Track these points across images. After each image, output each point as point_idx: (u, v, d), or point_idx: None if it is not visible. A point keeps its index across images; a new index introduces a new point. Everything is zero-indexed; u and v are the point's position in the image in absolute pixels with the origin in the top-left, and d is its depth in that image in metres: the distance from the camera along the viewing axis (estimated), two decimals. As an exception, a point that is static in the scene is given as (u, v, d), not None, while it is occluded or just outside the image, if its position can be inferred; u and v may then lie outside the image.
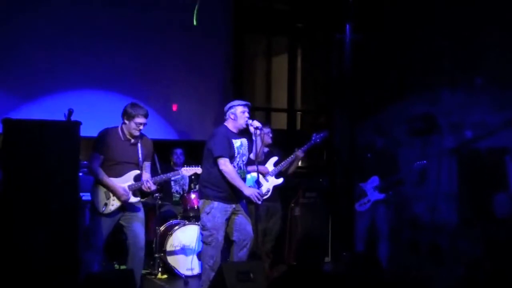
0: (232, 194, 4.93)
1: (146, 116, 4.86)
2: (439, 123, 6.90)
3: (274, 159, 6.07)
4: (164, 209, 6.52)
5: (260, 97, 8.60)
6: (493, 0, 6.30)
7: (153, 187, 4.91)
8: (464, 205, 6.53)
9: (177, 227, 6.05)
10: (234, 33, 7.77)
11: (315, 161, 8.40)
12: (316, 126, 8.44)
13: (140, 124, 4.83)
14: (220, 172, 4.86)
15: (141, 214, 4.99)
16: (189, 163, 5.59)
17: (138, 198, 4.96)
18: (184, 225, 6.08)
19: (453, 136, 6.74)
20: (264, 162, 6.00)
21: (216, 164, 4.87)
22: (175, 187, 6.81)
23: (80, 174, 4.98)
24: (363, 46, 7.21)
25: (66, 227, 4.13)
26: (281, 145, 6.40)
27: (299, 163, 6.24)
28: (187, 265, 5.97)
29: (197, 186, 5.83)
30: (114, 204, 4.82)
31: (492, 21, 6.31)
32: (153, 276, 5.99)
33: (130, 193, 4.87)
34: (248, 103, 5.07)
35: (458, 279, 5.27)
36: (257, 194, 4.87)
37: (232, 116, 4.98)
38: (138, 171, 4.93)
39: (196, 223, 5.90)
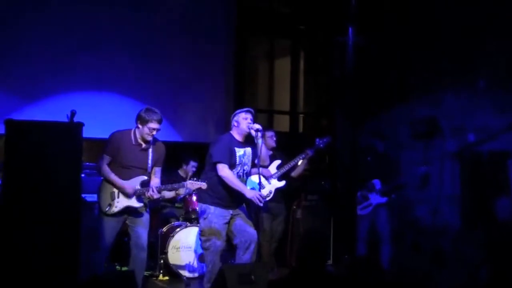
0: (230, 200, 4.95)
1: (160, 121, 4.86)
2: (441, 126, 6.88)
3: (277, 162, 6.09)
4: (166, 211, 6.52)
5: (263, 100, 8.61)
6: (496, 2, 6.29)
7: (156, 196, 4.86)
8: (466, 209, 6.52)
9: (179, 229, 6.05)
10: (236, 35, 7.77)
11: (317, 164, 8.39)
12: (319, 128, 8.44)
13: (153, 129, 4.83)
14: (219, 177, 4.88)
15: (145, 219, 4.98)
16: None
17: (142, 204, 4.92)
18: (186, 227, 6.08)
19: (455, 140, 6.73)
20: (267, 166, 6.04)
21: (215, 170, 4.90)
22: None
23: (83, 175, 4.99)
24: (365, 49, 7.21)
25: (68, 228, 4.12)
26: (283, 147, 6.40)
27: (304, 167, 6.23)
28: (189, 267, 5.98)
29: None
30: (118, 206, 4.82)
31: (495, 24, 6.30)
32: (155, 278, 5.99)
33: (134, 197, 4.86)
34: (250, 109, 5.10)
35: (460, 282, 5.26)
36: (258, 196, 4.88)
37: (235, 124, 5.04)
38: (145, 177, 4.92)
39: (198, 225, 5.90)
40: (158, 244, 6.00)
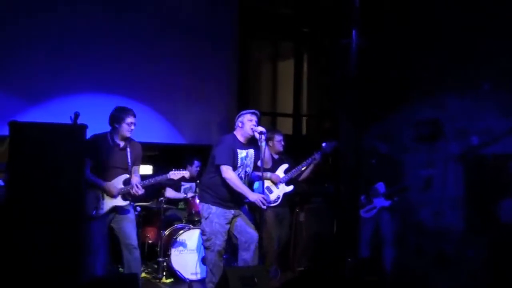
0: (231, 201, 4.97)
1: (134, 115, 4.97)
2: (444, 129, 6.87)
3: (284, 166, 6.08)
4: (168, 213, 6.53)
5: (266, 102, 8.61)
6: (500, 4, 6.29)
7: (141, 191, 4.93)
8: (469, 211, 6.50)
9: (181, 231, 6.06)
10: (239, 38, 7.79)
11: (320, 167, 8.37)
12: (322, 131, 8.43)
13: (132, 123, 4.93)
14: (222, 179, 4.90)
15: (131, 216, 5.04)
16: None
17: (128, 202, 5.00)
18: (189, 229, 6.08)
19: (459, 142, 6.71)
20: (274, 170, 6.01)
21: (217, 171, 4.92)
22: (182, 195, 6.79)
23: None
24: (369, 51, 7.20)
25: (70, 230, 4.14)
26: (286, 150, 6.40)
27: (310, 171, 6.23)
28: (192, 269, 5.98)
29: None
30: (103, 208, 4.88)
31: (499, 25, 6.30)
32: (158, 280, 5.99)
33: (120, 196, 4.91)
34: (256, 111, 5.10)
35: (463, 285, 5.24)
36: (262, 199, 4.88)
37: (240, 124, 5.06)
38: (127, 175, 4.99)
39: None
40: (161, 246, 6.01)
